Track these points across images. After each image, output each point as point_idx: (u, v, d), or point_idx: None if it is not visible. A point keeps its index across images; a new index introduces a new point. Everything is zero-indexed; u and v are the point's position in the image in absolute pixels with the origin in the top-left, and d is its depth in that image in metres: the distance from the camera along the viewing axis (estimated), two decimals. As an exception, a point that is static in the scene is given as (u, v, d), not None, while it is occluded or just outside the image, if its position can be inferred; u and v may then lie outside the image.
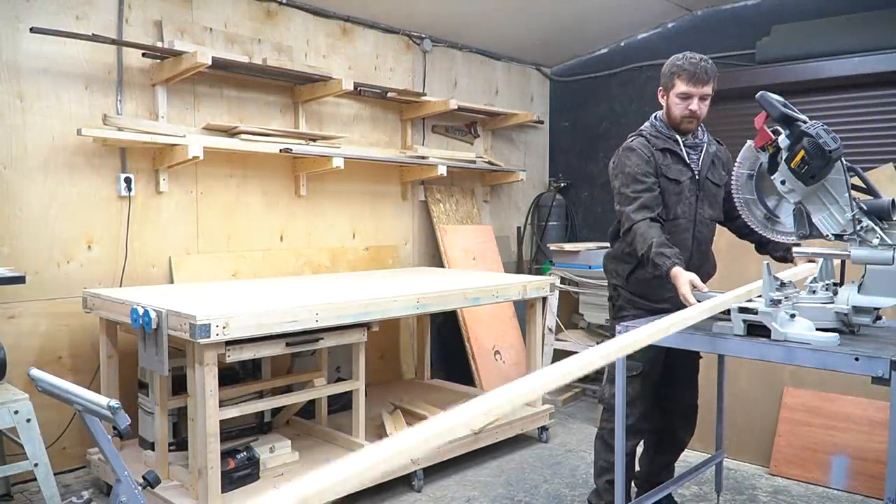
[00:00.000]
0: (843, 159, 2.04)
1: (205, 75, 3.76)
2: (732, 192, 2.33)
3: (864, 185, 2.15)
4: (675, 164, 2.61)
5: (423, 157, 4.78)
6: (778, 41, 4.70)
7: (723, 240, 3.00)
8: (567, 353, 5.87)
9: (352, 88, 4.11)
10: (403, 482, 3.34)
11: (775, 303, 2.02)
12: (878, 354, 1.78)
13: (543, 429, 4.07)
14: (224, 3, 3.96)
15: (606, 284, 2.88)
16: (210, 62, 3.44)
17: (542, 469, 3.66)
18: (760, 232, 2.33)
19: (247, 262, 4.08)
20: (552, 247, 5.24)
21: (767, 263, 2.11)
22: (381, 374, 4.73)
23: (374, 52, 4.79)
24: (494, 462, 3.73)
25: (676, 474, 2.90)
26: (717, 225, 2.80)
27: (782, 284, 2.17)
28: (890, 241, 2.00)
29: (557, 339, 4.89)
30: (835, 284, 2.21)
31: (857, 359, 1.81)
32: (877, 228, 2.02)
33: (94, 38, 3.32)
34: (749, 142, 2.23)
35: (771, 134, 2.12)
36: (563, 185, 6.02)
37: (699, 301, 2.15)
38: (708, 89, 2.55)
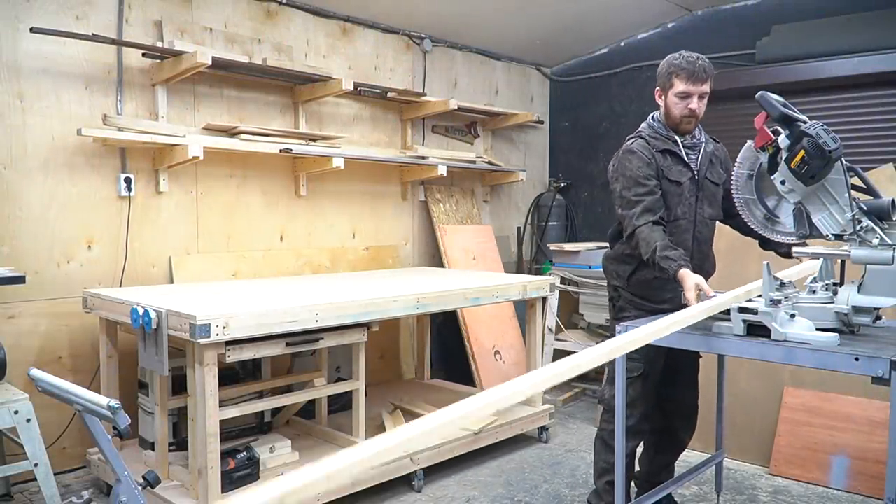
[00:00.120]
0: (843, 159, 2.04)
1: (205, 75, 3.77)
2: (732, 192, 2.33)
3: (864, 185, 2.16)
4: (676, 164, 2.60)
5: (423, 157, 4.78)
6: (778, 41, 4.70)
7: (723, 240, 3.00)
8: (567, 354, 5.85)
9: (352, 88, 4.11)
10: (403, 482, 3.34)
11: (775, 303, 2.02)
12: (878, 354, 1.78)
13: (543, 429, 4.07)
14: (224, 3, 3.96)
15: (606, 285, 2.87)
16: (210, 62, 3.45)
17: (542, 469, 3.66)
18: (760, 232, 2.33)
19: (247, 262, 4.08)
20: (552, 247, 5.24)
21: (767, 263, 2.12)
22: (381, 374, 4.73)
23: (374, 52, 4.79)
24: (494, 462, 3.73)
25: (676, 474, 2.90)
26: (718, 224, 2.79)
27: (782, 284, 2.17)
28: (890, 241, 2.00)
29: (557, 339, 4.89)
30: (835, 284, 2.21)
31: (857, 359, 1.81)
32: (877, 228, 2.02)
33: (94, 38, 3.32)
34: (749, 142, 2.23)
35: (771, 134, 2.12)
36: (563, 185, 6.02)
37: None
38: (706, 87, 2.54)
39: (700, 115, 2.58)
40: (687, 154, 2.62)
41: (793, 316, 2.02)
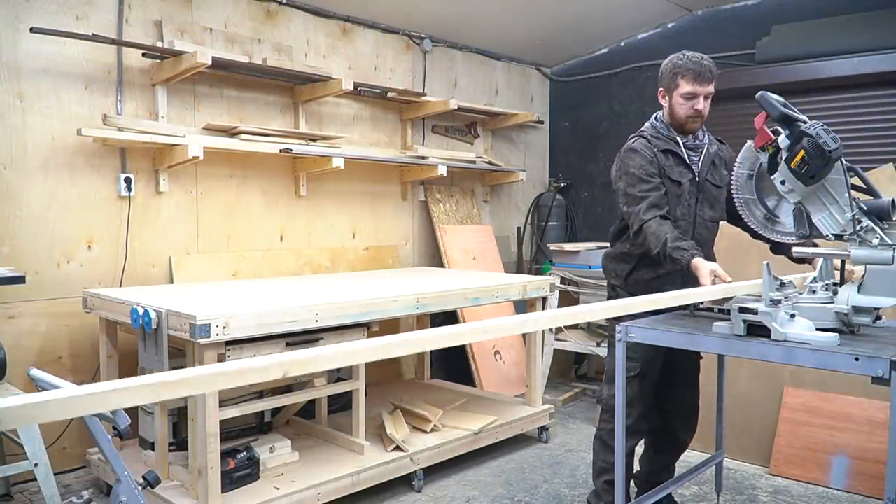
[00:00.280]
0: (843, 159, 2.04)
1: (205, 75, 3.77)
2: (732, 192, 2.33)
3: (864, 185, 2.15)
4: (677, 165, 2.60)
5: (423, 157, 4.78)
6: (778, 41, 4.70)
7: (723, 240, 3.00)
8: (567, 353, 5.81)
9: (352, 88, 4.11)
10: (403, 482, 3.34)
11: (775, 303, 2.02)
12: (878, 354, 1.78)
13: (543, 429, 4.07)
14: (224, 3, 3.97)
15: (606, 285, 2.87)
16: (210, 62, 3.45)
17: (542, 469, 3.66)
18: (760, 232, 2.33)
19: (247, 262, 4.08)
20: (552, 247, 5.24)
21: (767, 263, 2.11)
22: (381, 374, 4.73)
23: (374, 52, 4.79)
24: (494, 462, 3.73)
25: (676, 474, 2.90)
26: (724, 224, 2.79)
27: (782, 284, 2.17)
28: (890, 241, 2.00)
29: (557, 339, 4.89)
30: (835, 284, 2.21)
31: (857, 359, 1.81)
32: (877, 228, 2.02)
33: (94, 38, 3.32)
34: (749, 142, 2.23)
35: (771, 134, 2.11)
36: (563, 185, 6.02)
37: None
38: (711, 88, 2.55)
39: (705, 115, 2.58)
40: (688, 155, 2.62)
41: (793, 316, 2.02)
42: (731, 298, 2.19)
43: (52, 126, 3.37)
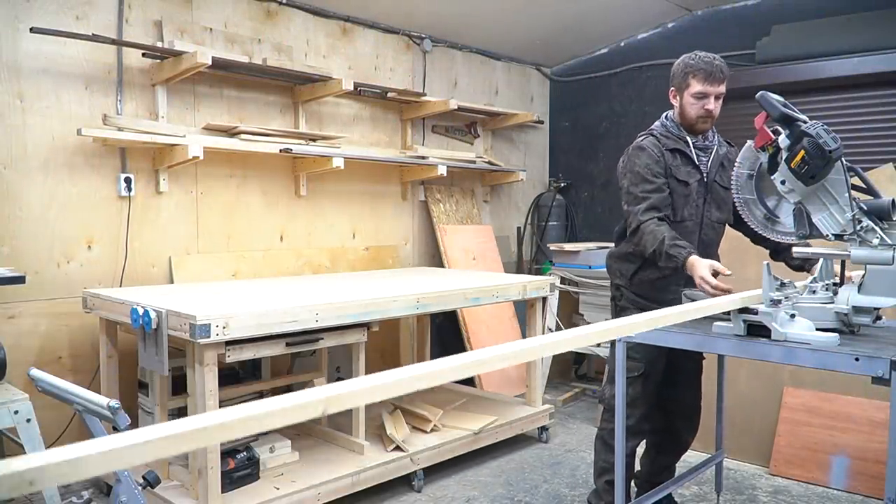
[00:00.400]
0: (843, 159, 2.04)
1: (205, 75, 3.76)
2: (732, 192, 2.33)
3: (864, 185, 2.15)
4: (685, 165, 2.60)
5: (423, 157, 4.78)
6: (778, 41, 4.70)
7: (724, 241, 3.00)
8: (567, 353, 5.79)
9: (352, 88, 4.11)
10: (403, 482, 3.34)
11: (775, 303, 2.02)
12: (878, 354, 1.78)
13: (543, 429, 4.07)
14: (224, 3, 3.96)
15: (608, 284, 2.87)
16: (210, 62, 3.44)
17: (542, 469, 3.66)
18: (760, 232, 2.33)
19: (247, 262, 4.08)
20: (552, 247, 5.24)
21: (767, 263, 2.11)
22: (381, 374, 4.72)
23: (374, 52, 4.79)
24: (494, 462, 3.73)
25: (676, 474, 2.90)
26: (725, 227, 2.79)
27: (782, 284, 2.17)
28: (890, 241, 2.00)
29: (557, 339, 4.88)
30: (835, 284, 2.21)
31: (857, 359, 1.81)
32: (877, 228, 2.02)
33: (94, 38, 3.32)
34: (749, 142, 2.23)
35: (771, 134, 2.11)
36: (563, 185, 6.02)
37: (716, 287, 2.16)
38: (723, 88, 2.55)
39: (716, 115, 2.58)
40: (697, 155, 2.63)
41: (793, 316, 2.02)
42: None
43: (52, 126, 3.37)
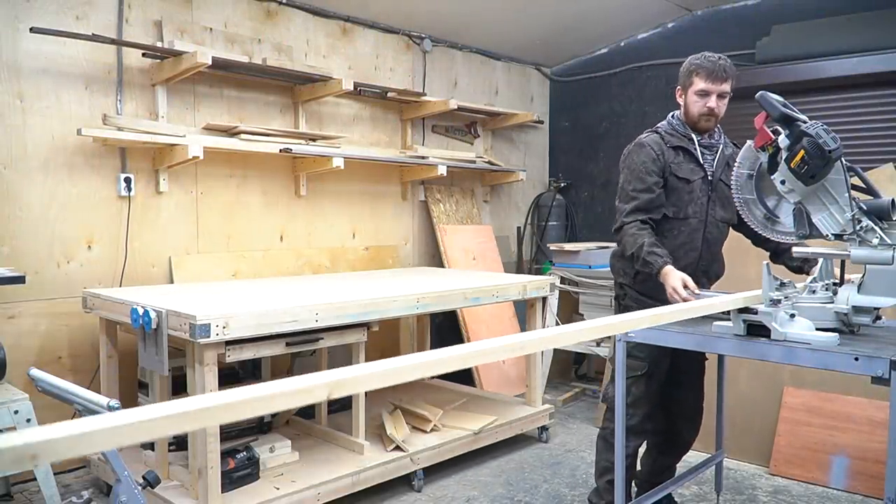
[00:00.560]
0: (842, 159, 2.04)
1: (205, 75, 3.77)
2: (732, 191, 2.33)
3: (864, 185, 2.15)
4: (688, 163, 2.62)
5: (423, 157, 4.78)
6: (778, 41, 4.70)
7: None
8: (567, 353, 5.80)
9: (352, 88, 4.11)
10: (403, 482, 3.34)
11: (775, 302, 2.02)
12: (878, 354, 1.78)
13: (543, 429, 4.07)
14: (224, 3, 3.97)
15: (608, 284, 2.88)
16: (210, 62, 3.45)
17: (542, 469, 3.66)
18: (760, 231, 2.33)
19: (247, 262, 4.08)
20: (552, 247, 5.24)
21: (767, 263, 2.11)
22: (381, 374, 4.73)
23: (374, 52, 4.79)
24: (494, 462, 3.73)
25: (676, 474, 2.90)
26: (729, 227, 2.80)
27: (782, 284, 2.17)
28: (890, 241, 2.00)
29: (557, 339, 4.88)
30: (835, 284, 2.21)
31: (856, 359, 1.81)
32: (876, 228, 2.02)
33: (94, 38, 3.32)
34: (749, 142, 2.23)
35: (771, 134, 2.11)
36: (563, 185, 6.02)
37: (684, 300, 2.20)
38: (726, 87, 2.57)
39: (720, 114, 2.61)
40: (702, 154, 2.64)
41: (793, 316, 2.02)
42: None
43: (52, 126, 3.37)
